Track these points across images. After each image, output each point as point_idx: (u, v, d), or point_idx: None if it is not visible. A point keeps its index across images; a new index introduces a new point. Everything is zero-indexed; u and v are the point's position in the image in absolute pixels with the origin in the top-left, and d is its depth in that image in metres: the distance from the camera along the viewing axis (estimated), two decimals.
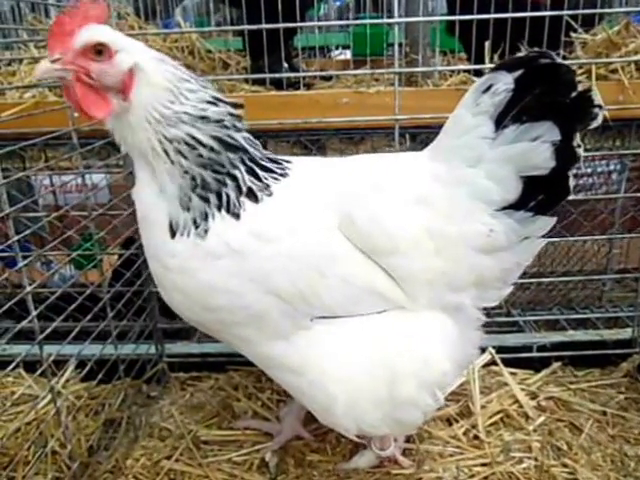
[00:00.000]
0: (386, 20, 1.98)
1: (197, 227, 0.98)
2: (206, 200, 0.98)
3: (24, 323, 1.08)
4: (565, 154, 0.91)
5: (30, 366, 1.53)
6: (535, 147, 0.91)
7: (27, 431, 1.39)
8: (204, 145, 0.97)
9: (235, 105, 1.01)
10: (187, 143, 0.96)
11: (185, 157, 0.97)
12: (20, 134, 1.43)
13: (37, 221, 1.69)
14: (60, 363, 1.38)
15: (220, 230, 0.98)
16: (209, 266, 0.97)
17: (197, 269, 0.98)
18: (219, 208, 0.98)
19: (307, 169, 1.09)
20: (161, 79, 0.96)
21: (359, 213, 1.00)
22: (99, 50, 0.93)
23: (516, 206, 0.96)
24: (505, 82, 0.90)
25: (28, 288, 1.07)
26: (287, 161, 1.08)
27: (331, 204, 1.01)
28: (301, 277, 0.98)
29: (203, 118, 0.97)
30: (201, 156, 0.97)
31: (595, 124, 0.90)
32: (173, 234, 0.99)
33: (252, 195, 1.00)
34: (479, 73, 1.70)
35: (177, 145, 0.96)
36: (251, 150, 1.02)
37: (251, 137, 1.04)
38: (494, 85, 0.91)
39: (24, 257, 1.07)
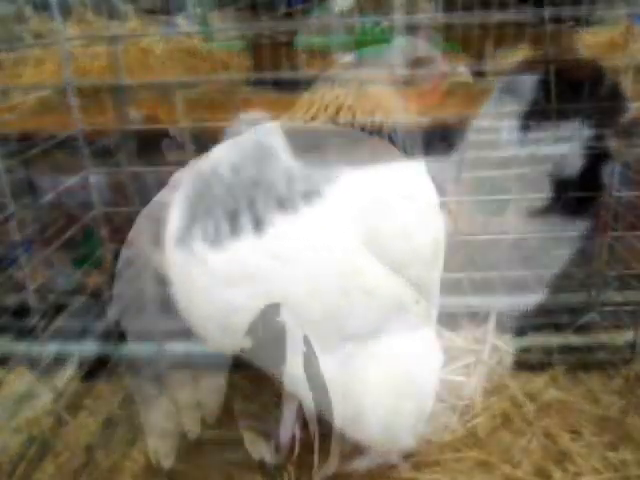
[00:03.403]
0: (387, 23, 1.98)
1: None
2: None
3: (26, 321, 1.09)
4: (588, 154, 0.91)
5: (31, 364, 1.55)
6: (556, 148, 0.92)
7: (27, 429, 1.39)
8: None
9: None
10: None
11: None
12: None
13: (40, 220, 1.70)
14: (61, 361, 1.39)
15: (243, 253, 0.90)
16: (235, 291, 0.91)
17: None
18: (235, 233, 0.89)
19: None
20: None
21: (384, 225, 0.96)
22: None
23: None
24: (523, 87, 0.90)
25: (30, 286, 1.07)
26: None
27: (355, 217, 0.95)
28: (327, 297, 0.92)
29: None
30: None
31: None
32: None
33: (282, 207, 0.92)
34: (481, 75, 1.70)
35: None
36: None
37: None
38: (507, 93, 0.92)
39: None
